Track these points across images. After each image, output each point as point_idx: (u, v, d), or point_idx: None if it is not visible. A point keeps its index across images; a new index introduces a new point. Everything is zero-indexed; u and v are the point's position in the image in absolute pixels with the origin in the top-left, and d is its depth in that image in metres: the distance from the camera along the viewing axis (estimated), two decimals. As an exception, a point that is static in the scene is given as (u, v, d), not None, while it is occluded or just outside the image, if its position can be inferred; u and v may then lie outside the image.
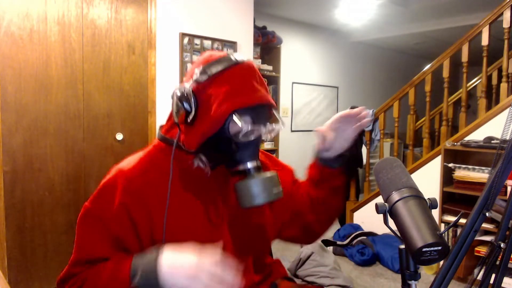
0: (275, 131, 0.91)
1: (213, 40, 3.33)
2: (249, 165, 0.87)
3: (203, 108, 0.85)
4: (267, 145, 4.23)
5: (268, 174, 0.88)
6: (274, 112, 0.93)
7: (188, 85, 0.86)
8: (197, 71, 0.87)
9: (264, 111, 0.90)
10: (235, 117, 0.84)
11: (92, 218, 0.86)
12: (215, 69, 0.86)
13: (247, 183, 0.85)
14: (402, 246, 0.68)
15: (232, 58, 0.88)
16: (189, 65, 3.18)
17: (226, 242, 0.93)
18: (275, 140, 4.52)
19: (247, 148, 0.88)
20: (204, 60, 0.90)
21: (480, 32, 3.10)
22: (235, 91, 0.85)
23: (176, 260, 0.78)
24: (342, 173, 1.02)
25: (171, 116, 0.94)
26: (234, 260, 0.80)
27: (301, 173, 1.15)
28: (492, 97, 4.24)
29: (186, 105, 0.86)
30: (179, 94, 0.86)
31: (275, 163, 1.11)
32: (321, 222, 1.05)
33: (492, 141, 2.76)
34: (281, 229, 1.06)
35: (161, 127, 0.98)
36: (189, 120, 0.86)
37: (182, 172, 0.91)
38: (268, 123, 0.90)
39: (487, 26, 3.05)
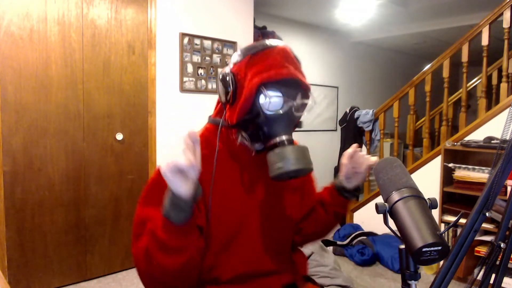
0: (306, 106, 0.98)
1: (213, 40, 3.33)
2: (282, 138, 0.92)
3: (240, 87, 0.94)
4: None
5: (299, 145, 0.91)
6: (305, 91, 0.98)
7: (228, 68, 0.97)
8: (236, 54, 0.97)
9: (293, 87, 0.95)
10: (262, 90, 0.91)
11: (157, 184, 0.93)
12: (249, 52, 0.95)
13: (279, 151, 0.88)
14: (402, 246, 0.68)
15: (267, 43, 0.97)
16: (189, 65, 3.18)
17: (256, 218, 1.02)
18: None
19: (279, 122, 0.93)
20: (243, 47, 0.99)
21: (480, 32, 3.10)
22: (264, 68, 0.92)
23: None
24: (349, 204, 1.13)
25: (219, 100, 1.04)
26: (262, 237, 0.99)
27: None
28: (492, 97, 4.24)
29: (227, 84, 0.95)
30: (221, 77, 0.96)
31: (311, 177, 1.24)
32: (317, 235, 1.21)
33: (492, 141, 2.76)
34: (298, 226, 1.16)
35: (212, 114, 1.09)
36: (229, 99, 0.95)
37: (229, 151, 1.01)
38: (298, 98, 0.95)
39: (487, 26, 3.05)
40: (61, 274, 2.64)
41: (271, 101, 0.92)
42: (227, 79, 0.95)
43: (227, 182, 1.00)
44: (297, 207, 1.13)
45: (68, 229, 2.65)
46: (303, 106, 0.98)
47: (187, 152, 0.79)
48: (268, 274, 1.05)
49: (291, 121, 0.96)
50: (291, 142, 0.92)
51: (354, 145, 1.08)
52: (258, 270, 1.03)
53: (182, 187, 0.79)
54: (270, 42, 0.98)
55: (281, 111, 0.93)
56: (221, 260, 0.99)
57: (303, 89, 0.97)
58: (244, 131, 0.96)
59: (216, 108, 1.07)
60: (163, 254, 0.84)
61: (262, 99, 0.92)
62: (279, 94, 0.92)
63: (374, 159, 1.05)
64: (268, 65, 0.93)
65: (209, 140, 1.01)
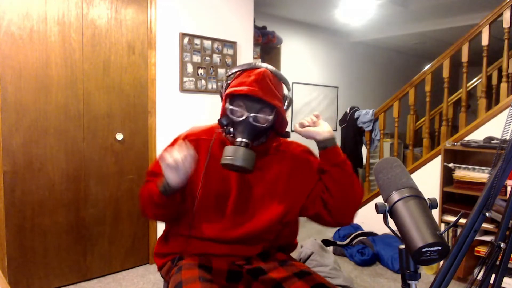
0: (268, 121, 1.20)
1: (213, 40, 3.33)
2: (239, 139, 1.17)
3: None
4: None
5: (243, 148, 1.14)
6: (270, 108, 1.21)
7: (225, 81, 1.28)
8: (230, 71, 1.27)
9: (255, 103, 1.18)
10: (227, 101, 1.20)
11: (163, 151, 1.22)
12: (236, 69, 1.26)
13: (229, 147, 1.16)
14: (402, 246, 0.68)
15: (253, 65, 1.24)
16: (189, 65, 3.18)
17: (235, 195, 1.29)
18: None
19: (239, 126, 1.18)
20: (237, 65, 1.31)
21: (480, 32, 3.10)
22: (237, 84, 1.19)
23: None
24: (336, 151, 1.25)
25: None
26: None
27: None
28: (492, 97, 4.24)
29: (221, 92, 1.28)
30: (220, 87, 1.29)
31: (313, 158, 1.37)
32: (337, 199, 1.23)
33: (492, 141, 2.76)
34: (304, 210, 1.32)
35: None
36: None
37: (222, 144, 1.27)
38: (260, 113, 1.19)
39: (487, 26, 3.05)
40: (61, 274, 2.64)
41: (232, 109, 1.19)
42: (223, 88, 1.27)
43: (216, 164, 1.23)
44: (281, 191, 1.30)
45: (68, 229, 2.65)
46: (264, 119, 1.19)
47: (181, 151, 1.11)
48: (237, 242, 1.28)
49: (251, 128, 1.18)
50: (244, 144, 1.16)
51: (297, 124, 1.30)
52: (231, 236, 1.27)
53: (173, 179, 1.13)
54: (255, 64, 1.24)
55: (240, 119, 1.18)
56: (202, 220, 1.28)
57: (267, 106, 1.19)
58: (223, 126, 1.25)
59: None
60: (155, 206, 1.23)
61: (227, 108, 1.20)
62: (241, 105, 1.19)
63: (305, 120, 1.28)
64: (240, 82, 1.19)
65: (212, 132, 1.34)
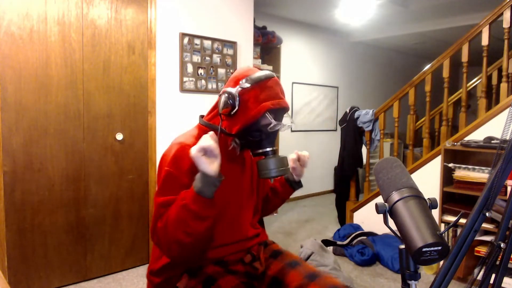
0: (290, 126, 1.32)
1: (213, 40, 3.33)
2: (269, 149, 1.25)
3: (244, 106, 1.23)
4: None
5: (281, 156, 1.25)
6: (288, 114, 1.34)
7: (235, 90, 1.23)
8: (244, 81, 1.24)
9: (282, 112, 1.29)
10: (267, 114, 1.22)
11: (172, 176, 1.21)
12: (255, 81, 1.24)
13: (267, 161, 1.22)
14: (402, 246, 0.68)
15: (266, 73, 1.27)
16: (189, 65, 3.18)
17: (240, 200, 1.39)
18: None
19: (270, 137, 1.26)
20: (246, 72, 1.27)
21: (480, 32, 3.10)
22: (269, 97, 1.23)
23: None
24: (292, 192, 1.55)
25: (213, 109, 1.36)
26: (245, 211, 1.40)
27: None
28: (492, 97, 4.24)
29: (232, 102, 1.22)
30: (227, 95, 1.22)
31: None
32: (265, 212, 1.62)
33: (492, 141, 2.76)
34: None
35: (202, 116, 1.40)
36: (232, 113, 1.23)
37: (222, 149, 1.23)
38: (284, 120, 1.30)
39: (487, 26, 3.05)
40: (61, 274, 2.64)
41: (273, 122, 1.23)
42: (236, 97, 1.22)
43: (224, 174, 1.25)
44: (256, 193, 1.50)
45: (68, 229, 2.65)
46: (288, 126, 1.32)
47: (210, 139, 1.09)
48: (247, 238, 1.40)
49: (275, 136, 1.31)
50: (274, 152, 1.26)
51: (296, 152, 1.47)
52: (240, 235, 1.38)
53: (210, 166, 1.08)
54: (267, 74, 1.27)
55: (275, 129, 1.25)
56: (219, 229, 1.30)
57: (286, 111, 1.31)
58: (239, 139, 1.28)
59: (211, 112, 1.36)
60: (195, 221, 1.10)
61: (264, 121, 1.24)
62: (275, 117, 1.25)
63: (306, 153, 1.48)
64: (271, 95, 1.24)
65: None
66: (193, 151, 1.07)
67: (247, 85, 1.23)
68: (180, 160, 1.21)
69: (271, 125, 1.23)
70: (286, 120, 1.32)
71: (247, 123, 1.22)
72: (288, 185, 1.52)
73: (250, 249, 1.41)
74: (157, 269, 1.31)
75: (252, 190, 1.45)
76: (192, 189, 1.10)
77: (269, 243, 1.50)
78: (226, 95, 1.22)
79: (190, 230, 1.10)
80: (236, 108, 1.22)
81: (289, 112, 1.36)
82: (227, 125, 1.27)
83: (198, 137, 1.24)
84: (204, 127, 1.33)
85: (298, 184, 1.53)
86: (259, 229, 1.50)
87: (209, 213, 1.12)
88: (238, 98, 1.22)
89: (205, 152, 1.08)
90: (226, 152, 1.29)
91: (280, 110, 1.26)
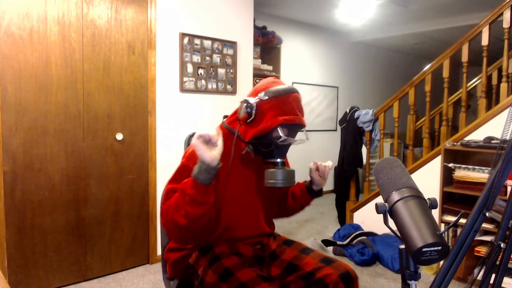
0: (303, 141, 1.39)
1: (213, 40, 3.33)
2: (279, 160, 1.34)
3: (260, 116, 1.33)
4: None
5: (289, 169, 1.32)
6: (304, 130, 1.43)
7: (254, 100, 1.33)
8: (263, 93, 1.33)
9: (297, 128, 1.39)
10: (279, 129, 1.31)
11: (186, 168, 1.30)
12: (274, 94, 1.33)
13: (274, 171, 1.30)
14: (402, 246, 0.68)
15: (285, 89, 1.35)
16: (189, 65, 3.18)
17: (255, 199, 1.46)
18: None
19: (281, 149, 1.34)
20: (268, 84, 1.37)
21: (480, 32, 3.10)
22: (284, 112, 1.32)
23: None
24: (310, 200, 1.59)
25: (235, 113, 1.43)
26: (257, 210, 1.46)
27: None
28: (492, 97, 4.24)
29: (249, 110, 1.32)
30: (247, 104, 1.33)
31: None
32: (280, 215, 1.66)
33: (492, 141, 2.76)
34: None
35: (226, 117, 1.48)
36: (248, 121, 1.33)
37: (236, 152, 1.39)
38: (297, 135, 1.40)
39: (487, 26, 3.04)
40: (61, 274, 2.64)
41: (283, 137, 1.31)
42: (253, 107, 1.32)
43: (236, 173, 1.39)
44: (275, 193, 1.56)
45: (68, 229, 2.65)
46: (301, 141, 1.39)
47: (214, 132, 1.14)
48: (264, 235, 1.50)
49: (287, 148, 1.38)
50: (283, 164, 1.34)
51: (315, 162, 1.50)
52: (257, 232, 1.46)
53: (208, 155, 1.12)
54: (287, 89, 1.35)
55: (286, 143, 1.33)
56: (232, 224, 1.40)
57: (301, 128, 1.40)
58: (252, 146, 1.36)
59: (232, 117, 1.44)
60: (191, 205, 1.16)
61: (275, 134, 1.32)
62: (287, 132, 1.35)
63: (330, 163, 1.50)
64: (286, 110, 1.32)
65: (224, 141, 1.28)
66: (194, 138, 1.12)
67: (266, 97, 1.32)
68: (196, 155, 1.28)
69: (281, 139, 1.31)
70: (301, 135, 1.41)
71: (260, 133, 1.31)
72: (306, 192, 1.55)
73: (261, 241, 1.51)
74: (173, 247, 1.46)
75: (268, 191, 1.50)
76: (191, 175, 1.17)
77: (277, 235, 1.60)
78: (246, 104, 1.33)
79: (186, 213, 1.17)
80: (253, 117, 1.32)
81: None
82: (243, 131, 1.36)
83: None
84: (224, 128, 1.42)
85: (318, 194, 1.55)
86: (273, 229, 1.58)
87: (205, 199, 1.17)
88: (255, 109, 1.32)
89: (205, 140, 1.12)
90: (241, 154, 1.40)
91: (294, 126, 1.36)
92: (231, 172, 1.35)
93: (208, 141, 1.13)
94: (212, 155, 1.12)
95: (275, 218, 1.62)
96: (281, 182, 1.29)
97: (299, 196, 1.58)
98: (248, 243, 1.45)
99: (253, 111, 1.32)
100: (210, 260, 1.36)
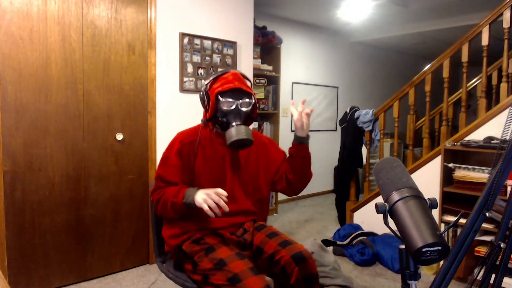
0: (249, 104, 1.63)
1: (213, 40, 3.33)
2: (234, 123, 1.56)
3: (208, 98, 1.64)
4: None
5: (242, 125, 1.55)
6: (248, 95, 1.64)
7: (203, 89, 1.67)
8: (206, 81, 1.68)
9: (240, 94, 1.61)
10: (220, 98, 1.60)
11: (162, 159, 1.68)
12: (213, 77, 1.67)
13: (229, 130, 1.54)
14: (402, 246, 0.68)
15: (222, 70, 1.67)
16: (189, 65, 3.18)
17: (230, 177, 1.70)
18: (275, 139, 4.52)
19: (231, 114, 1.59)
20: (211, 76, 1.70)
21: (480, 32, 3.10)
22: (220, 84, 1.61)
23: (203, 191, 1.53)
24: (307, 148, 1.68)
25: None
26: (232, 192, 1.66)
27: None
28: (492, 97, 4.24)
29: (202, 98, 1.67)
30: (200, 94, 1.68)
31: (274, 145, 1.85)
32: (298, 178, 1.71)
33: (492, 141, 2.76)
34: (274, 184, 1.78)
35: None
36: (206, 107, 1.66)
37: (209, 139, 1.70)
38: (242, 100, 1.62)
39: (487, 26, 3.04)
40: (61, 274, 2.64)
41: (225, 101, 1.59)
42: (204, 95, 1.65)
43: (207, 155, 1.68)
44: (260, 169, 1.75)
45: (68, 229, 2.65)
46: (247, 104, 1.62)
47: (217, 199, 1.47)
48: (242, 212, 1.69)
49: (239, 114, 1.60)
50: (239, 125, 1.54)
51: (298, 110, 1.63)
52: (236, 208, 1.66)
53: (201, 206, 1.48)
54: (223, 70, 1.67)
55: (231, 108, 1.59)
56: None
57: (246, 95, 1.62)
58: (215, 123, 1.65)
59: (204, 112, 1.71)
60: (174, 212, 1.60)
61: (221, 104, 1.59)
62: (229, 98, 1.59)
63: (308, 110, 1.60)
64: (223, 83, 1.60)
65: (197, 132, 1.70)
66: (206, 196, 1.50)
67: (207, 81, 1.66)
68: (173, 144, 1.68)
69: (225, 104, 1.58)
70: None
71: (212, 110, 1.60)
72: (295, 143, 1.67)
73: (243, 224, 1.70)
74: (172, 235, 1.68)
75: (256, 172, 1.73)
76: (182, 197, 1.54)
77: (257, 220, 1.76)
78: (200, 94, 1.68)
79: (173, 212, 1.60)
80: (205, 102, 1.64)
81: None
82: (207, 115, 1.65)
83: (193, 128, 1.73)
84: (202, 123, 1.71)
85: (305, 139, 1.66)
86: (256, 210, 1.75)
87: (184, 210, 1.57)
88: (206, 96, 1.64)
89: (213, 203, 1.47)
90: (213, 138, 1.68)
91: (232, 92, 1.59)
92: (206, 154, 1.66)
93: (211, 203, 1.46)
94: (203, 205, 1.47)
95: (295, 191, 1.74)
96: (235, 136, 1.49)
97: (293, 152, 1.68)
98: (231, 232, 1.66)
99: (205, 98, 1.64)
100: (205, 249, 1.56)
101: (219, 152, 1.68)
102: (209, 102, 1.62)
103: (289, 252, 1.51)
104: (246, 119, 1.65)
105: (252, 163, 1.73)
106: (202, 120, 1.70)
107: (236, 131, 1.50)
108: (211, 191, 1.48)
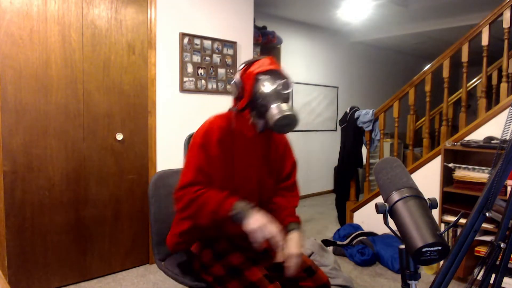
0: (288, 86, 1.47)
1: (213, 40, 3.33)
2: (275, 104, 1.39)
3: (243, 84, 1.46)
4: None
5: (285, 103, 1.41)
6: (286, 78, 1.47)
7: (237, 76, 1.48)
8: (240, 66, 1.50)
9: (276, 75, 1.46)
10: (260, 78, 1.43)
11: (199, 147, 1.41)
12: (248, 62, 1.49)
13: (271, 109, 1.38)
14: (402, 246, 0.68)
15: (258, 56, 1.56)
16: (189, 65, 3.18)
17: (257, 174, 1.53)
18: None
19: (271, 96, 1.41)
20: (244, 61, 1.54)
21: (480, 32, 3.10)
22: (259, 67, 1.44)
23: (260, 216, 1.33)
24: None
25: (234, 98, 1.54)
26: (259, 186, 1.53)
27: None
28: (492, 97, 4.24)
29: (236, 86, 1.48)
30: (233, 82, 1.49)
31: (290, 151, 1.69)
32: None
33: (492, 141, 2.76)
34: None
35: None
36: (240, 95, 1.47)
37: (241, 131, 1.49)
38: (281, 80, 1.45)
39: (487, 26, 3.04)
40: (61, 274, 2.64)
41: (266, 80, 1.42)
42: (238, 81, 1.47)
43: (241, 148, 1.48)
44: (276, 172, 1.62)
45: (68, 229, 2.65)
46: (286, 85, 1.46)
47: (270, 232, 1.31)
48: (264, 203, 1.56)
49: (280, 96, 1.43)
50: (280, 104, 1.39)
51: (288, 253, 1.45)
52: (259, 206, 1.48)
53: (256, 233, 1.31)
54: (260, 56, 1.52)
55: (274, 87, 1.42)
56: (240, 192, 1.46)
57: (284, 77, 1.47)
58: (252, 110, 1.45)
59: (233, 101, 1.53)
60: (206, 218, 1.36)
61: (260, 87, 1.42)
62: (269, 78, 1.43)
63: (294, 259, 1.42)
64: (261, 64, 1.45)
65: (229, 120, 1.48)
66: (260, 230, 1.31)
67: (240, 67, 1.49)
68: (209, 134, 1.43)
69: (267, 84, 1.42)
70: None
71: (250, 96, 1.42)
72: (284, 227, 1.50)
73: None
74: (178, 232, 1.55)
75: (271, 171, 1.59)
76: (230, 208, 1.33)
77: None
78: (232, 82, 1.49)
79: (212, 218, 1.36)
80: (240, 90, 1.46)
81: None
82: (240, 104, 1.47)
83: (225, 116, 1.49)
84: (232, 112, 1.51)
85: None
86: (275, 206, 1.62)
87: (224, 220, 1.36)
88: (240, 82, 1.46)
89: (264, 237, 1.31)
90: (249, 131, 1.49)
91: (271, 73, 1.44)
92: (240, 150, 1.48)
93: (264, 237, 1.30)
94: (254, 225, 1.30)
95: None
96: (280, 113, 1.35)
97: (281, 217, 1.53)
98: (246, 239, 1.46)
99: (239, 85, 1.46)
100: (216, 254, 1.47)
101: (250, 146, 1.50)
102: (243, 89, 1.45)
103: (314, 283, 1.49)
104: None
105: (276, 163, 1.61)
106: (233, 109, 1.50)
107: (279, 109, 1.36)
108: (267, 223, 1.31)
